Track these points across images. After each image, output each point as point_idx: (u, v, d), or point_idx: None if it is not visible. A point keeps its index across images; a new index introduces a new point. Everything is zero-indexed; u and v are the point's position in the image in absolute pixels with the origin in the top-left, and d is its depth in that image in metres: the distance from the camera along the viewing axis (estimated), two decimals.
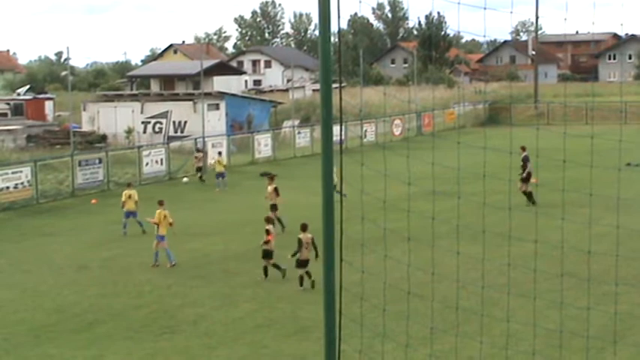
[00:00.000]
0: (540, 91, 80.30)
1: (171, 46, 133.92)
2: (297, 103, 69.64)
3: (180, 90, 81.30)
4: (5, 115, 67.68)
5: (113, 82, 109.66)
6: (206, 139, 46.01)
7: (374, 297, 15.20)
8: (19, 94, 79.71)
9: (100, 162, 39.05)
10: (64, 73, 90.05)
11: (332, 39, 7.98)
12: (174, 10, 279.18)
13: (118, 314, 18.80)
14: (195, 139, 46.71)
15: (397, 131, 61.64)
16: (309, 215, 27.93)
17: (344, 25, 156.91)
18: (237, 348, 16.37)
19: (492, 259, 16.31)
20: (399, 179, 11.47)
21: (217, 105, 59.41)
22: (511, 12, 9.14)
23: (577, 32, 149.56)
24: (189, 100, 59.99)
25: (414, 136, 61.37)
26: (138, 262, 23.33)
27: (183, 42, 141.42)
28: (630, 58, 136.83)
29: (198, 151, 43.37)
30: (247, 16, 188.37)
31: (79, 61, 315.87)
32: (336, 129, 8.65)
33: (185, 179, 41.42)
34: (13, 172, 34.74)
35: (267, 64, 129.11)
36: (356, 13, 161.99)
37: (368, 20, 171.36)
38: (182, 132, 57.15)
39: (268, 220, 22.51)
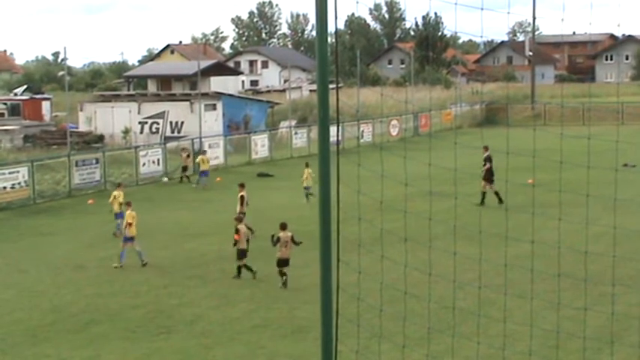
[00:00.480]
0: (537, 91, 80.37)
1: (168, 46, 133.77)
2: (294, 104, 69.66)
3: (177, 90, 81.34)
4: (2, 115, 67.65)
5: (110, 82, 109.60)
6: (203, 139, 46.02)
7: (371, 297, 15.19)
8: (16, 95, 79.49)
9: (97, 162, 39.05)
10: (61, 73, 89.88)
11: (329, 39, 7.99)
12: (172, 10, 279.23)
13: (114, 314, 18.78)
14: (192, 139, 46.71)
15: (394, 132, 61.66)
16: (307, 215, 28.03)
17: (341, 26, 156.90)
18: (234, 348, 16.37)
19: (489, 260, 16.30)
20: (395, 180, 11.47)
21: (214, 105, 59.42)
22: (508, 12, 9.14)
23: (574, 33, 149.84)
24: (187, 100, 59.97)
25: (410, 136, 61.37)
26: (134, 262, 23.30)
27: (181, 42, 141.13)
28: (627, 58, 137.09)
29: (184, 150, 43.21)
30: (244, 16, 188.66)
31: (76, 61, 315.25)
32: (333, 129, 8.66)
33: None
34: (10, 172, 34.73)
35: (264, 65, 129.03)
36: (353, 14, 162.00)
37: (365, 21, 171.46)
38: (179, 132, 57.11)
39: (238, 220, 22.46)
